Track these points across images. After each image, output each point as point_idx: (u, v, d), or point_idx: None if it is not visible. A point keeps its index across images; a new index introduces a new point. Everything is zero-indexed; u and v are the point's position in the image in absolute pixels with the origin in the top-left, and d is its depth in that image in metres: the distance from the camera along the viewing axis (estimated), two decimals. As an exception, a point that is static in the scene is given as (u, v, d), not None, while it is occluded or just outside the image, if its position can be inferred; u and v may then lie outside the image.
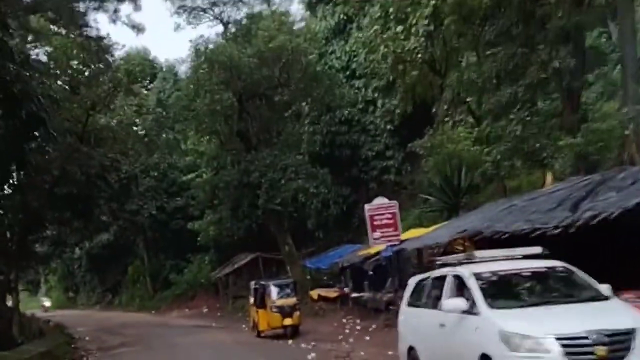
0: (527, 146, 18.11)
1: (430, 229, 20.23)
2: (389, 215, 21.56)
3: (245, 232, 41.09)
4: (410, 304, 11.70)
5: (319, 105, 35.16)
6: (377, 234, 21.35)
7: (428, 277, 11.21)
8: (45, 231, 39.64)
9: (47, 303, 68.46)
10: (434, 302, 10.18)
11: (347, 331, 22.52)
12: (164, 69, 57.21)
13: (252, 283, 27.18)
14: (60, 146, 29.91)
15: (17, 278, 39.56)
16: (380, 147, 35.37)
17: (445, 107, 26.22)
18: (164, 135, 45.99)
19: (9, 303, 33.80)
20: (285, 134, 34.63)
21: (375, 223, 21.49)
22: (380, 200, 22.34)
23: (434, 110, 27.13)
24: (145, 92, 49.67)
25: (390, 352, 14.46)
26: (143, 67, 53.13)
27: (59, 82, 32.30)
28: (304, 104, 35.96)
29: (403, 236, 21.63)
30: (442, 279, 10.21)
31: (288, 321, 23.74)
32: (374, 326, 22.24)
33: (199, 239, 45.74)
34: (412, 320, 11.46)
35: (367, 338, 20.10)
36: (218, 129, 35.74)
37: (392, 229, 21.37)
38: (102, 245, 58.92)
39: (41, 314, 53.37)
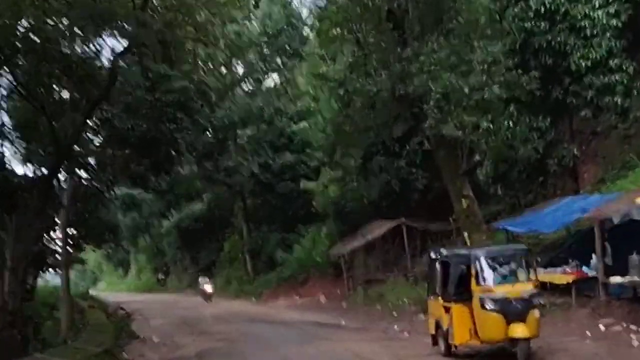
0: None
1: None
2: None
3: (381, 192, 29.44)
4: None
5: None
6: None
7: None
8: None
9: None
10: None
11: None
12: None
13: (430, 253, 15.49)
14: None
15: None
16: (600, 53, 22.41)
17: None
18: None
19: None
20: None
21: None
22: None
23: None
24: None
25: None
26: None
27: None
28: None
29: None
30: None
31: (519, 330, 11.89)
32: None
33: (314, 204, 34.36)
34: None
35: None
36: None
37: None
38: (195, 217, 48.90)
39: (118, 299, 44.00)
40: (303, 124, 37.36)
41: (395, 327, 19.12)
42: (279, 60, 41.70)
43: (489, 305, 12.05)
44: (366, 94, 22.53)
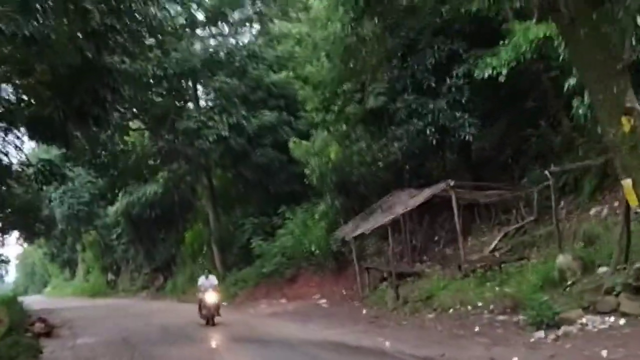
0: None
1: None
2: None
3: (407, 149, 20.61)
4: None
5: None
6: None
7: None
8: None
9: None
10: None
11: None
12: None
13: None
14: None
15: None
16: None
17: None
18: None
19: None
20: None
21: None
22: None
23: None
24: None
25: None
26: None
27: None
28: None
29: None
30: None
31: None
32: None
33: (306, 172, 25.29)
34: None
35: None
36: None
37: None
38: (147, 202, 39.08)
39: (51, 307, 34.42)
40: (285, 74, 28.16)
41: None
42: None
43: None
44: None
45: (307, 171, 25.15)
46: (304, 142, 25.41)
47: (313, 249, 25.81)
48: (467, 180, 20.91)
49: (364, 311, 19.18)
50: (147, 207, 39.62)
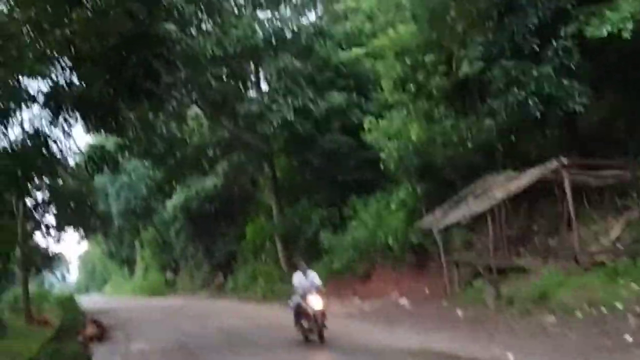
0: None
1: None
2: None
3: (503, 124, 17.89)
4: None
5: None
6: None
7: None
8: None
9: None
10: None
11: None
12: None
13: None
14: None
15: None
16: None
17: None
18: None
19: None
20: None
21: None
22: None
23: None
24: None
25: None
26: None
27: None
28: None
29: None
30: None
31: None
32: None
33: (382, 157, 22.73)
34: None
35: None
36: None
37: None
38: (207, 196, 37.20)
39: (108, 307, 32.80)
40: (357, 50, 25.57)
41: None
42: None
43: None
44: None
45: (382, 155, 22.48)
46: (381, 121, 22.70)
47: (390, 241, 23.13)
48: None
49: (459, 312, 16.43)
50: (206, 201, 37.74)
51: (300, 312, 14.84)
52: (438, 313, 17.54)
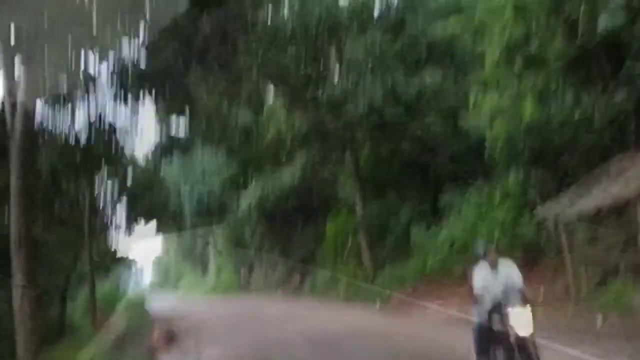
0: None
1: None
2: None
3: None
4: None
5: None
6: None
7: None
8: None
9: None
10: None
11: None
12: None
13: None
14: None
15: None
16: None
17: None
18: None
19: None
20: None
21: None
22: None
23: None
24: None
25: None
26: None
27: None
28: None
29: None
30: None
31: None
32: None
33: (487, 140, 19.90)
34: None
35: None
36: None
37: None
38: (284, 191, 35.11)
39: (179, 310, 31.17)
40: (455, 18, 22.80)
41: None
42: None
43: None
44: None
45: (487, 136, 19.62)
46: (489, 96, 19.80)
47: (495, 236, 20.23)
48: None
49: (599, 321, 13.45)
50: (283, 197, 35.65)
51: (486, 337, 8.69)
52: (564, 319, 14.67)
